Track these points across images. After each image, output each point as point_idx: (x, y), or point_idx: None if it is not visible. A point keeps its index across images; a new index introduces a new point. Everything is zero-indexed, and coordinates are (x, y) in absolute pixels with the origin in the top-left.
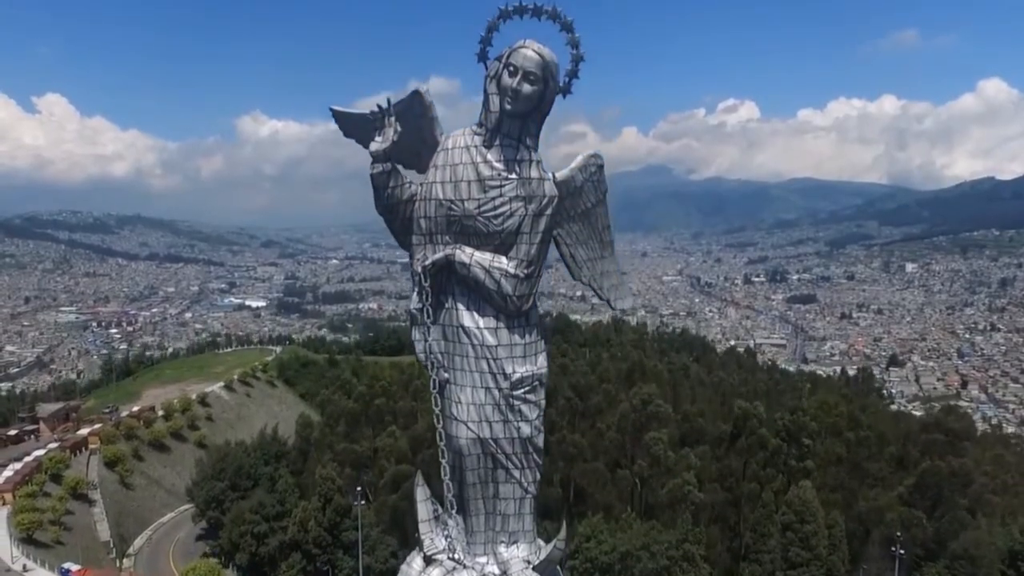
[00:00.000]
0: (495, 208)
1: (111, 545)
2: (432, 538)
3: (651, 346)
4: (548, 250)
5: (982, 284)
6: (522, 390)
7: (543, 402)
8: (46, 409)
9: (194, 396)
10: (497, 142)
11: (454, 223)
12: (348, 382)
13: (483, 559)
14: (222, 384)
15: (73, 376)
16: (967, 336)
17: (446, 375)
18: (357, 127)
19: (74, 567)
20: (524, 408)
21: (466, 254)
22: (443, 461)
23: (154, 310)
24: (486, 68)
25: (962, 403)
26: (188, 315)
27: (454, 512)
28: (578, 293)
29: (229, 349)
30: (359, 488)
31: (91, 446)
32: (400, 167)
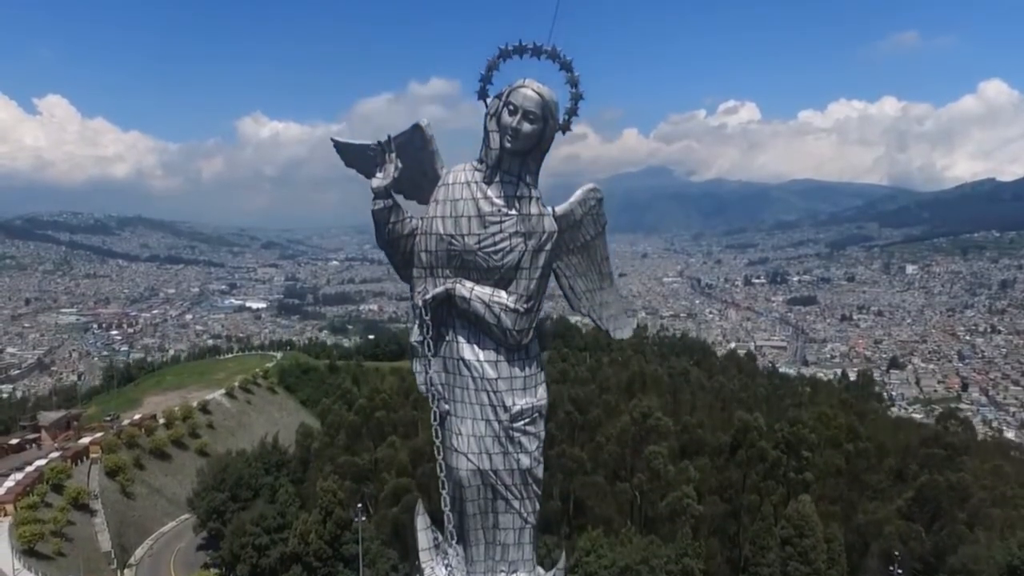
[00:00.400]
0: (495, 244)
1: (112, 556)
2: (433, 567)
3: (651, 350)
4: (548, 284)
5: (982, 286)
6: (522, 422)
7: (543, 433)
8: (47, 417)
9: (195, 403)
10: (497, 178)
11: (455, 257)
12: (348, 391)
13: None
14: (223, 391)
15: (74, 378)
16: (967, 338)
17: (447, 407)
18: (359, 158)
19: None
20: (524, 440)
21: (466, 288)
22: (443, 492)
23: (155, 311)
24: (486, 106)
25: (963, 406)
26: (189, 316)
27: (454, 542)
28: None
29: (230, 355)
30: (360, 505)
31: (92, 455)
32: (401, 196)
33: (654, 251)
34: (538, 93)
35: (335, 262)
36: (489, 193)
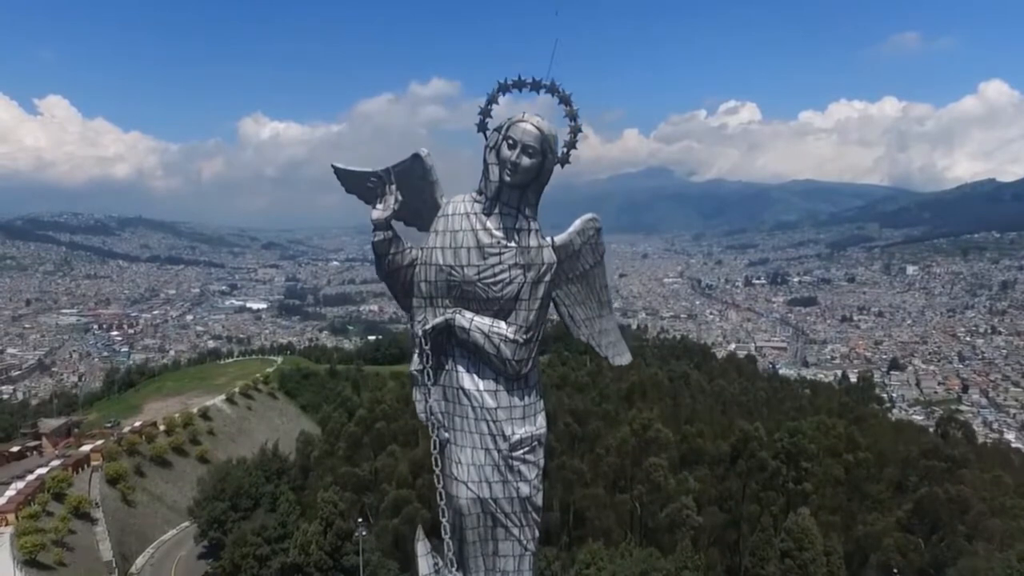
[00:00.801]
0: (494, 275)
1: (113, 564)
2: None
3: (652, 352)
4: (547, 314)
5: (983, 287)
6: (521, 451)
7: (542, 461)
8: (48, 425)
9: (196, 410)
10: (496, 210)
11: (454, 288)
12: (348, 399)
13: None
14: (223, 397)
15: (75, 379)
16: (968, 339)
17: (446, 435)
18: (360, 184)
19: None
20: (523, 468)
21: (466, 319)
22: (443, 520)
23: (155, 312)
24: (486, 138)
25: (963, 407)
26: (189, 317)
27: (455, 569)
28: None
29: (231, 359)
30: (360, 520)
31: (93, 463)
32: (401, 223)
33: (654, 251)
34: (537, 128)
35: (335, 263)
36: (488, 225)
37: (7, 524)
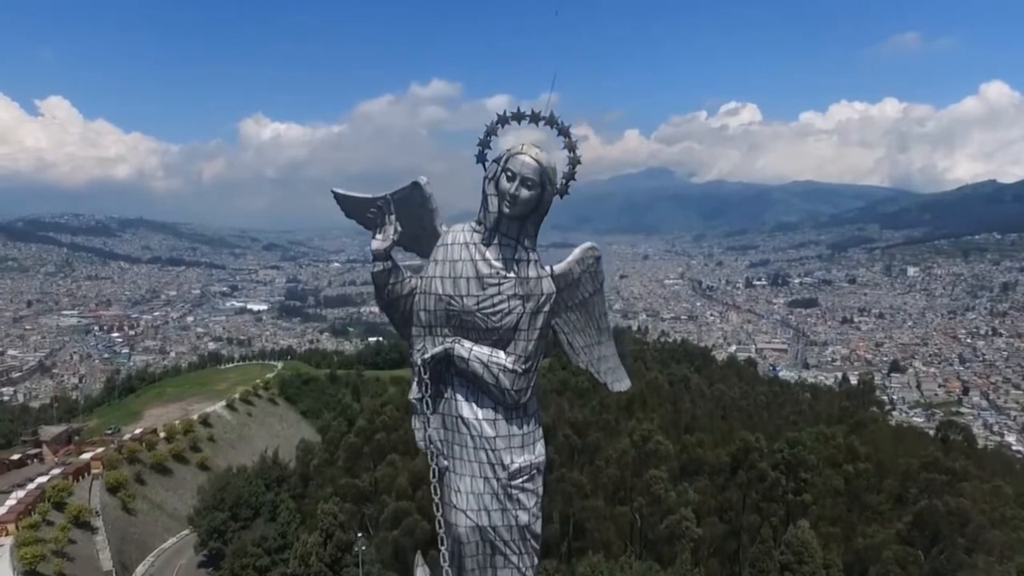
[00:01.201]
0: (493, 305)
1: (113, 574)
2: None
3: (652, 356)
4: (546, 344)
5: (984, 288)
6: (520, 480)
7: (541, 489)
8: (49, 432)
9: (196, 416)
10: (496, 241)
11: (453, 317)
12: (348, 407)
13: None
14: (224, 403)
15: (75, 380)
16: (969, 341)
17: (445, 463)
18: (359, 209)
19: None
20: (522, 497)
21: (465, 348)
22: (442, 548)
23: (156, 314)
24: (484, 169)
25: (963, 410)
26: (190, 319)
27: None
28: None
29: (231, 364)
30: (359, 535)
31: (93, 470)
32: (401, 248)
33: (655, 252)
34: (536, 160)
35: (336, 264)
36: (488, 255)
37: (7, 534)
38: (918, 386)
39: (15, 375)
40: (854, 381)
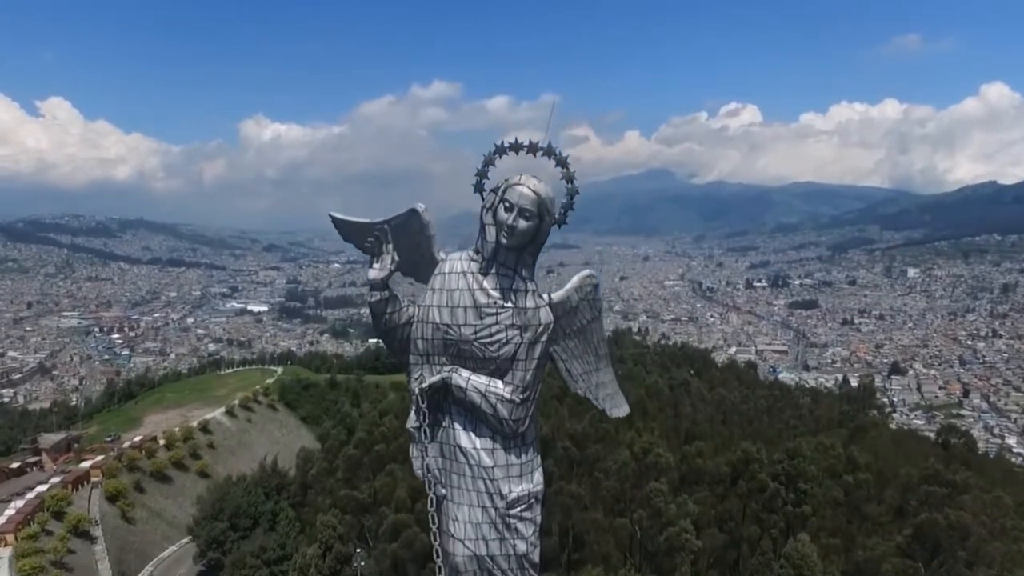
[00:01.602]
0: (491, 335)
1: None
2: None
3: (652, 360)
4: (544, 373)
5: (984, 289)
6: (518, 509)
7: (539, 518)
8: (48, 440)
9: (195, 423)
10: (493, 270)
11: (451, 346)
12: (348, 415)
13: None
14: (223, 410)
15: (75, 382)
16: (969, 343)
17: (443, 492)
18: (356, 233)
19: None
20: (520, 526)
21: (462, 378)
22: None
23: (156, 315)
24: (482, 199)
25: (964, 412)
26: (190, 320)
27: None
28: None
29: (231, 370)
30: (358, 551)
31: (93, 479)
32: (399, 273)
33: (655, 254)
34: (534, 191)
35: (337, 265)
36: (485, 284)
37: (6, 544)
38: (918, 388)
39: (15, 377)
40: (854, 383)
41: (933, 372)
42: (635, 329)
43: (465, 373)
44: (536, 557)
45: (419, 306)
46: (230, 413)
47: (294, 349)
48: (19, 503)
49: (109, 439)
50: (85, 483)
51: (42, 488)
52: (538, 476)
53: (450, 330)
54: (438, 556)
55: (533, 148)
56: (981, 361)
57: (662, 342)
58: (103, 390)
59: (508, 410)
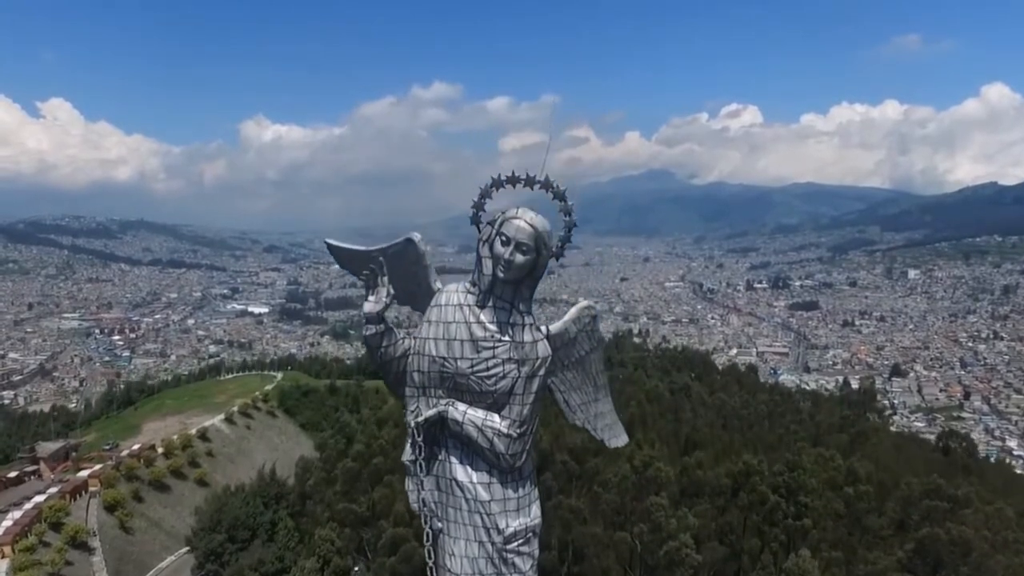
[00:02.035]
0: (488, 369)
1: None
2: None
3: (653, 364)
4: (541, 407)
5: (985, 291)
6: (516, 543)
7: (536, 551)
8: (46, 448)
9: (194, 431)
10: (490, 303)
11: (447, 379)
12: (347, 425)
13: None
14: (222, 417)
15: (76, 384)
16: (970, 345)
17: (440, 526)
18: (352, 261)
19: None
20: (517, 560)
21: (459, 412)
22: None
23: (157, 316)
24: (479, 231)
25: (964, 415)
26: (191, 322)
27: None
28: (581, 299)
29: (230, 375)
30: (355, 568)
31: (91, 488)
32: (395, 301)
33: (656, 255)
34: (531, 225)
35: (337, 266)
36: (482, 318)
37: (3, 557)
38: (919, 390)
39: (16, 378)
40: (855, 385)
41: (934, 374)
42: (636, 331)
43: (462, 407)
44: None
45: (415, 338)
46: (229, 420)
47: (294, 351)
48: (16, 514)
49: (108, 447)
50: (83, 493)
51: (40, 498)
52: (535, 509)
53: (447, 363)
54: None
55: (530, 181)
56: (982, 363)
57: (663, 345)
58: (103, 392)
59: (505, 445)
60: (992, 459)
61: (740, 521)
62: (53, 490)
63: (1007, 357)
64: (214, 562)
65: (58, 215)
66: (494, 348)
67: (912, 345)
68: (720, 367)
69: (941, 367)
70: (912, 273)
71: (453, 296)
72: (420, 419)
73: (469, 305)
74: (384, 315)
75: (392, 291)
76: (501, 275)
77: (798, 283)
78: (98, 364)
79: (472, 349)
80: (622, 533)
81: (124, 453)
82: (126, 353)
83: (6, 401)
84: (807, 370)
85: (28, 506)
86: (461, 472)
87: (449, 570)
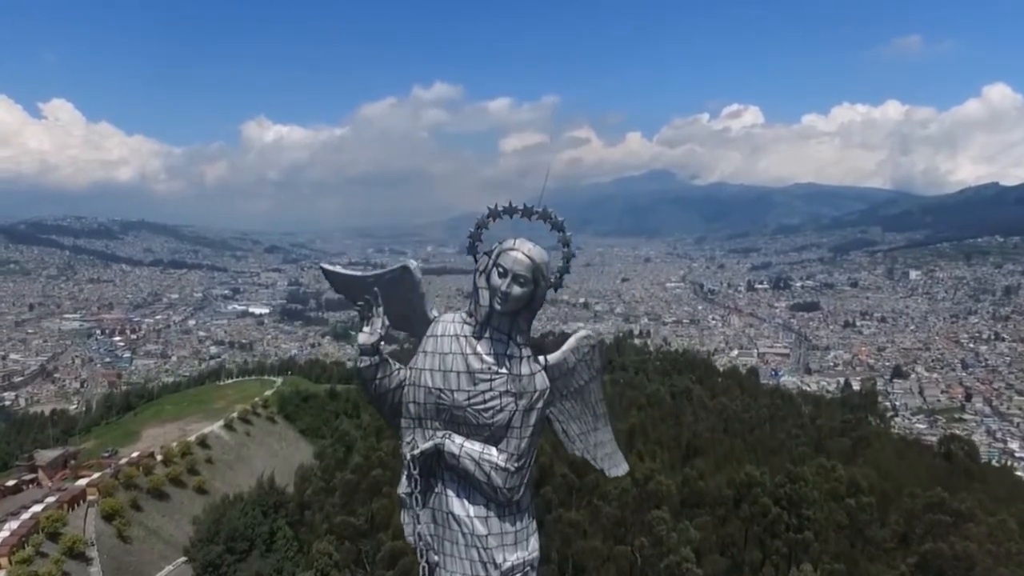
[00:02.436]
0: (485, 401)
1: None
2: None
3: (654, 367)
4: (539, 440)
5: (986, 292)
6: None
7: None
8: (44, 456)
9: (193, 438)
10: (487, 335)
11: (444, 411)
12: (347, 434)
13: None
14: (222, 423)
15: (77, 385)
16: (971, 346)
17: (436, 559)
18: (347, 286)
19: None
20: None
21: (456, 444)
22: None
23: (158, 317)
24: (475, 260)
25: (966, 416)
26: (192, 322)
27: None
28: (581, 300)
29: (230, 380)
30: None
31: (89, 497)
32: (391, 327)
33: (657, 255)
34: (529, 257)
35: (338, 266)
36: (479, 349)
37: (0, 568)
38: (920, 392)
39: (17, 380)
40: (856, 387)
41: (935, 375)
42: (637, 331)
43: (458, 439)
44: None
45: (411, 369)
46: (229, 427)
47: (295, 352)
48: (13, 524)
49: (107, 454)
50: (81, 502)
51: (37, 508)
52: (533, 543)
53: (443, 395)
54: None
55: (528, 212)
56: (983, 364)
57: (663, 348)
58: (104, 393)
59: (503, 479)
60: (994, 461)
61: (741, 533)
62: (51, 499)
63: (1008, 358)
64: (212, 574)
65: (59, 216)
66: (491, 380)
67: (913, 346)
68: (721, 369)
69: (942, 368)
70: (913, 274)
71: (449, 327)
72: (416, 452)
73: (466, 336)
74: (379, 346)
75: (387, 322)
76: (498, 307)
77: (799, 284)
78: (99, 365)
79: (469, 381)
80: (622, 547)
81: (123, 461)
82: (127, 354)
83: (7, 403)
84: (808, 371)
85: (25, 516)
86: (458, 505)
87: None
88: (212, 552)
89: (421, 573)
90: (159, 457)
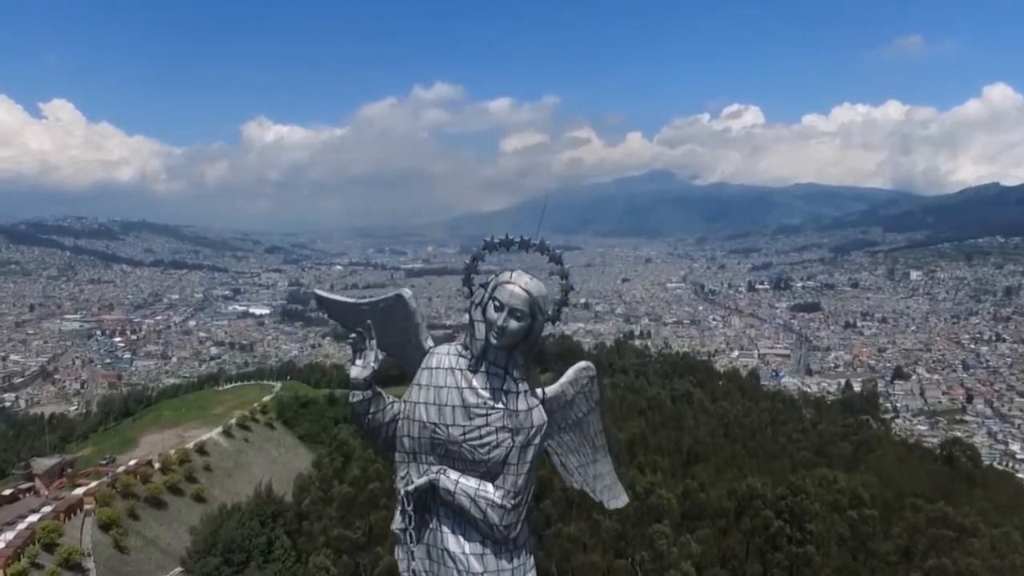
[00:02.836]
0: (481, 437)
1: None
2: None
3: (654, 370)
4: (536, 475)
5: (987, 292)
6: None
7: None
8: (41, 465)
9: (192, 444)
10: (483, 369)
11: (439, 446)
12: (345, 442)
13: None
14: (220, 430)
15: (77, 386)
16: (972, 347)
17: None
18: (343, 313)
19: None
20: None
21: (451, 481)
22: None
23: (158, 318)
24: (471, 292)
25: (967, 417)
26: (192, 323)
27: None
28: (581, 300)
29: (229, 385)
30: None
31: (86, 506)
32: (385, 353)
33: (657, 255)
34: (525, 290)
35: (339, 267)
36: (475, 383)
37: None
38: (921, 393)
39: (17, 381)
40: (857, 388)
41: (936, 377)
42: (637, 332)
43: (454, 475)
44: None
45: (405, 402)
46: (227, 433)
47: (296, 353)
48: (9, 535)
49: (104, 462)
50: (78, 511)
51: (33, 518)
52: None
53: (438, 429)
54: None
55: (525, 245)
56: (984, 365)
57: (664, 350)
58: (104, 395)
59: (499, 516)
60: (995, 463)
61: (743, 546)
62: (47, 509)
63: (1010, 359)
64: None
65: (60, 216)
66: (487, 415)
67: (914, 347)
68: (722, 371)
69: (943, 369)
70: (914, 274)
71: (444, 359)
72: (410, 488)
73: (461, 369)
74: (371, 381)
75: (380, 356)
76: (494, 341)
77: (800, 284)
78: (99, 366)
79: (464, 416)
80: (622, 561)
81: (121, 468)
82: (127, 355)
83: (7, 404)
84: (809, 372)
85: (21, 526)
86: (453, 542)
87: None
88: (209, 564)
89: None
90: (157, 465)
